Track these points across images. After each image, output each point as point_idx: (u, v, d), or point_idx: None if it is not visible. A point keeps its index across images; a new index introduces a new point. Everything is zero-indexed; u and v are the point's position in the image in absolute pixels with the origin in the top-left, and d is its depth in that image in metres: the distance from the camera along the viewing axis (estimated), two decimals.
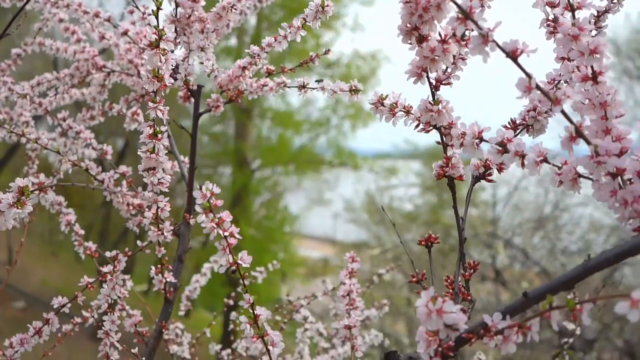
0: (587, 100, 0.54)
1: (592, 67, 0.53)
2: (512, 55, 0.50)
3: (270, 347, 0.63)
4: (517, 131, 0.68)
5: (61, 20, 1.19)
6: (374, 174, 11.08)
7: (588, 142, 0.51)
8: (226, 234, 0.61)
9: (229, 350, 1.24)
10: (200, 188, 0.60)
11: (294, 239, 11.50)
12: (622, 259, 0.50)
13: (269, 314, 0.69)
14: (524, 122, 0.68)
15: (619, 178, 0.51)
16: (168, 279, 0.96)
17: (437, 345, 0.53)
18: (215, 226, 0.61)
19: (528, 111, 0.68)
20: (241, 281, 0.64)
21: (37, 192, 0.69)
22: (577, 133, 0.51)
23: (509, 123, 0.69)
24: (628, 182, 0.52)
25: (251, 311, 0.64)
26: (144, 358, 0.93)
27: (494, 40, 0.49)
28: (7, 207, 0.66)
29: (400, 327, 7.09)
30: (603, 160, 0.50)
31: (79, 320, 1.12)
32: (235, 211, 11.05)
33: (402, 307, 7.31)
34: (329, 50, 0.98)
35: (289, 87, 0.95)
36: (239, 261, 0.63)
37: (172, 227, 0.90)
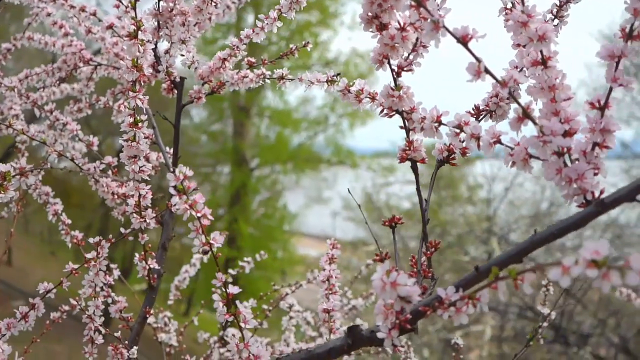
0: (538, 84, 0.57)
1: (541, 52, 0.56)
2: (463, 40, 0.53)
3: (242, 324, 0.66)
4: (481, 116, 0.71)
5: (49, 15, 1.22)
6: (372, 172, 11.10)
7: (535, 123, 0.53)
8: (199, 214, 0.64)
9: (215, 338, 1.27)
10: (174, 171, 0.63)
11: (293, 237, 11.52)
12: (566, 233, 0.52)
13: (253, 302, 0.71)
14: (487, 108, 0.71)
15: (565, 157, 0.54)
16: (152, 266, 0.99)
17: (394, 318, 0.56)
18: (188, 207, 0.64)
19: (491, 97, 0.71)
20: (215, 263, 0.67)
21: (18, 176, 0.72)
22: (525, 114, 0.54)
23: (472, 109, 0.71)
24: (576, 162, 0.54)
25: (224, 289, 0.66)
26: (127, 342, 0.96)
27: (444, 27, 0.52)
28: None
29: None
30: (548, 140, 0.52)
31: (66, 307, 1.15)
32: (234, 210, 11.09)
33: None
34: (308, 42, 1.01)
35: (268, 78, 0.98)
36: (212, 241, 0.65)
37: (154, 215, 0.93)
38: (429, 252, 0.65)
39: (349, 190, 1.10)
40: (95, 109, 1.31)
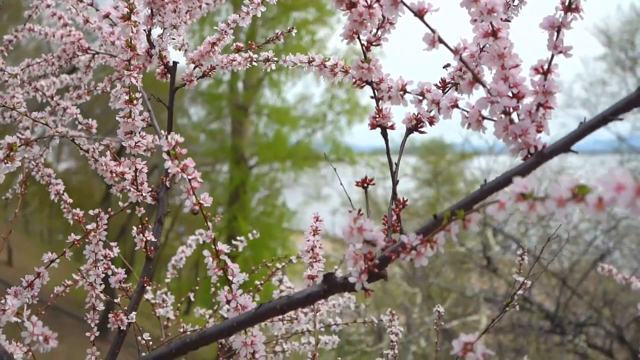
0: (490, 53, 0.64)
1: (491, 24, 0.62)
2: (419, 14, 0.59)
3: (230, 277, 0.73)
4: (447, 88, 0.77)
5: (48, 6, 1.28)
6: (371, 169, 11.16)
7: (484, 86, 0.60)
8: (190, 177, 0.71)
9: (210, 311, 1.34)
10: (167, 138, 0.70)
11: (292, 234, 11.58)
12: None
13: (245, 276, 0.78)
14: (452, 81, 0.77)
15: (511, 116, 0.60)
16: (148, 238, 1.05)
17: (363, 263, 0.63)
18: (180, 171, 0.71)
19: (455, 70, 0.77)
20: (205, 222, 0.74)
21: (23, 146, 0.78)
22: (475, 79, 0.61)
23: (439, 81, 0.78)
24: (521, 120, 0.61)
25: (213, 247, 0.73)
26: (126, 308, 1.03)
27: (402, 2, 0.59)
28: None
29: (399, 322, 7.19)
30: (495, 100, 0.59)
31: (69, 282, 1.22)
32: (233, 208, 11.16)
33: (398, 299, 7.42)
34: (293, 28, 1.07)
35: (255, 61, 1.05)
36: (201, 201, 0.72)
37: (150, 188, 0.99)
38: (397, 209, 0.71)
39: (341, 183, 1.11)
40: (94, 113, 1.38)
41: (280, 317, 1.23)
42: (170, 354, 0.67)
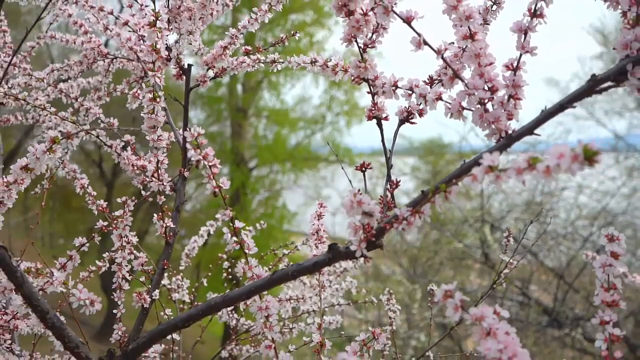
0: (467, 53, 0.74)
1: (469, 28, 0.73)
2: (407, 20, 0.70)
3: (246, 251, 0.84)
4: (434, 84, 0.88)
5: (70, 15, 1.39)
6: (370, 169, 11.26)
7: (462, 81, 0.71)
8: (210, 163, 0.82)
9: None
10: (190, 130, 0.81)
11: (293, 236, 11.68)
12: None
13: (255, 262, 0.89)
14: (439, 78, 0.88)
15: (487, 106, 0.71)
16: (168, 225, 1.16)
17: (362, 233, 0.73)
18: (202, 158, 0.82)
19: (441, 69, 0.88)
20: (223, 201, 0.85)
21: (65, 139, 0.89)
22: (455, 75, 0.72)
23: (427, 78, 0.89)
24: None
25: (231, 224, 0.84)
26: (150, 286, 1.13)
27: (392, 10, 0.70)
28: (42, 153, 0.86)
29: (399, 318, 7.30)
30: (472, 93, 0.70)
31: (93, 268, 1.33)
32: (234, 210, 11.24)
33: (398, 296, 7.52)
34: (296, 32, 1.18)
35: (262, 62, 1.16)
36: (220, 184, 0.83)
37: (170, 179, 1.10)
38: (391, 189, 0.82)
39: (349, 180, 1.23)
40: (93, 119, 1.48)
41: (288, 297, 1.34)
42: (198, 314, 0.77)
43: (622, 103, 9.21)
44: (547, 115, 0.66)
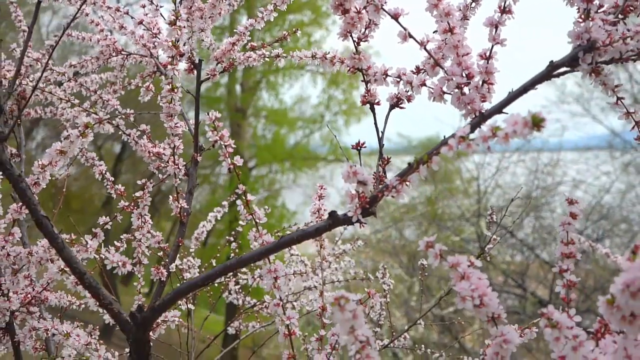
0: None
1: (448, 23, 0.85)
2: (395, 17, 0.82)
3: (257, 220, 0.96)
4: (420, 72, 1.00)
5: (87, 15, 1.51)
6: (368, 167, 11.37)
7: (442, 68, 0.83)
8: (226, 143, 0.94)
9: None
10: (208, 114, 0.93)
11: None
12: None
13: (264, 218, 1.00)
14: (424, 67, 1.00)
15: (463, 89, 0.83)
16: (182, 205, 1.28)
17: (358, 201, 0.85)
18: (218, 139, 0.93)
19: (426, 59, 1.00)
20: (237, 178, 0.96)
21: (97, 124, 1.01)
22: (435, 63, 0.84)
23: (415, 68, 1.01)
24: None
25: (244, 197, 0.96)
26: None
27: (382, 8, 0.82)
28: (76, 137, 0.98)
29: (400, 317, 7.43)
30: (450, 78, 0.82)
31: (118, 244, 1.44)
32: (234, 210, 11.39)
33: (397, 290, 7.64)
34: (297, 29, 1.30)
35: (267, 57, 1.27)
36: (235, 162, 0.95)
37: (185, 163, 1.22)
38: (383, 164, 0.94)
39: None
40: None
41: (292, 272, 1.46)
42: (215, 274, 0.89)
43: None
44: (512, 96, 0.77)
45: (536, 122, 0.59)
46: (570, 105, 9.04)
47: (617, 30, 0.76)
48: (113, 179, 1.42)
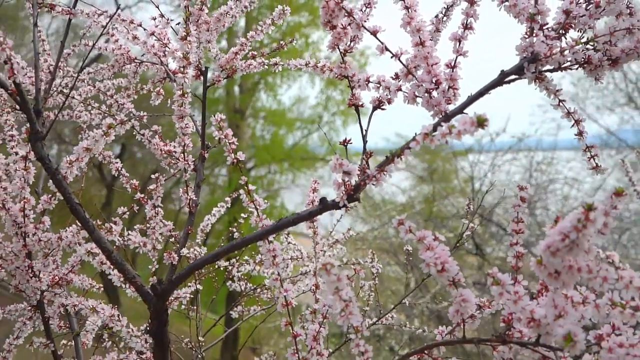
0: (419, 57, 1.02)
1: (419, 37, 1.01)
2: (373, 33, 0.98)
3: (257, 207, 1.11)
4: (398, 79, 1.15)
5: (103, 27, 1.66)
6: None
7: (413, 76, 0.98)
8: (230, 141, 1.09)
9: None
10: (214, 116, 1.08)
11: (292, 235, 11.91)
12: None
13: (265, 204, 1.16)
14: (400, 76, 1.15)
15: (432, 94, 0.99)
16: (191, 197, 1.43)
17: (344, 188, 1.00)
18: (223, 137, 1.09)
19: (402, 68, 1.15)
20: (240, 170, 1.12)
21: (119, 125, 1.16)
22: (408, 72, 0.99)
23: (394, 74, 1.16)
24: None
25: (246, 187, 1.11)
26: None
27: (363, 26, 0.97)
28: (100, 136, 1.13)
29: (400, 316, 7.59)
30: (421, 84, 0.97)
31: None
32: (233, 210, 11.54)
33: (393, 286, 7.80)
34: (293, 39, 1.46)
35: (267, 65, 1.43)
36: (237, 157, 1.10)
37: (194, 159, 1.37)
38: (367, 157, 1.10)
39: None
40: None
41: (290, 256, 1.61)
42: (223, 251, 1.05)
43: (613, 99, 9.49)
44: (470, 100, 0.93)
45: (480, 122, 0.74)
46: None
47: (560, 43, 0.92)
48: (128, 175, 1.57)
